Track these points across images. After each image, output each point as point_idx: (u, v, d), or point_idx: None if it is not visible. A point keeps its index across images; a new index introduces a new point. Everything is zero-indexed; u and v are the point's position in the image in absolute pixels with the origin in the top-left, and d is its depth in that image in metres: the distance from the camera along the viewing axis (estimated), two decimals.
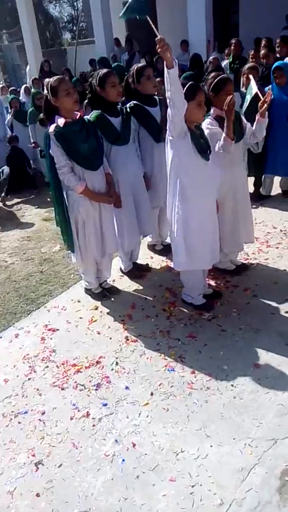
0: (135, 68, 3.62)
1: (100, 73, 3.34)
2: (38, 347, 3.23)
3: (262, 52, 5.74)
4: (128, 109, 3.52)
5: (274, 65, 4.78)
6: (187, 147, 2.90)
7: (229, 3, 12.25)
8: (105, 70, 3.38)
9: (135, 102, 3.60)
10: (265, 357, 2.81)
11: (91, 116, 3.35)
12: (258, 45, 7.23)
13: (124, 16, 2.97)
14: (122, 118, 3.41)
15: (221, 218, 3.33)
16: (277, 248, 4.13)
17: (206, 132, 3.10)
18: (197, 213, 3.03)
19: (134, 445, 2.34)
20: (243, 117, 3.41)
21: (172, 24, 11.71)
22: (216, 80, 3.12)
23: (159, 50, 2.62)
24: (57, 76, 3.19)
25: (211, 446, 2.27)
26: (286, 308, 3.24)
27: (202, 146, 2.93)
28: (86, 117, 3.30)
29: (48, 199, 6.57)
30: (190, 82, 2.90)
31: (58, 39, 24.07)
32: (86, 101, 5.93)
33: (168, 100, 2.76)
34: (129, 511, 2.03)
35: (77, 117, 3.15)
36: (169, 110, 2.78)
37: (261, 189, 5.30)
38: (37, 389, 2.82)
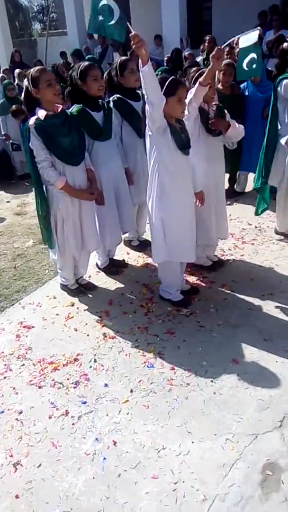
0: (119, 61, 3.57)
1: (81, 65, 3.24)
2: (13, 344, 3.15)
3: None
4: (111, 103, 3.46)
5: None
6: (167, 142, 2.88)
7: None
8: (86, 63, 3.28)
9: (118, 95, 3.54)
10: (244, 352, 2.84)
11: (72, 109, 3.26)
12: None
13: (97, 33, 2.93)
14: (104, 113, 3.34)
15: (198, 212, 3.33)
16: (253, 244, 4.17)
17: (186, 123, 3.09)
18: (176, 207, 3.02)
19: (115, 443, 2.31)
20: (227, 113, 3.40)
21: (145, 19, 11.67)
22: (197, 74, 3.12)
23: (133, 46, 2.58)
24: (38, 67, 3.11)
25: (192, 442, 2.27)
26: (263, 304, 3.28)
27: (182, 142, 2.92)
28: (69, 110, 3.22)
29: (19, 193, 6.46)
30: (171, 77, 2.87)
31: (28, 29, 23.55)
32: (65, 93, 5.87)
33: (145, 97, 2.73)
34: (112, 510, 2.00)
35: (59, 110, 3.06)
36: (147, 106, 2.75)
37: (235, 186, 5.35)
38: (14, 388, 2.75)
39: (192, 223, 3.17)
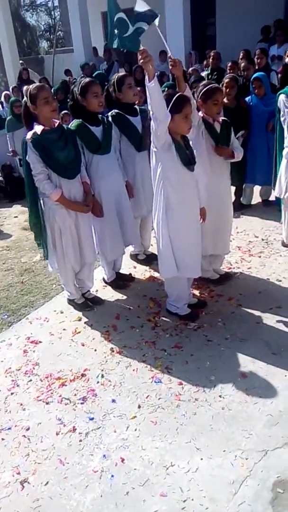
0: (116, 77, 3.62)
1: (82, 82, 3.31)
2: (20, 360, 3.14)
3: (243, 64, 5.84)
4: (110, 118, 3.51)
5: (253, 76, 4.88)
6: (172, 158, 2.89)
7: (206, 15, 12.44)
8: (87, 79, 3.36)
9: (116, 111, 3.59)
10: (252, 366, 2.81)
11: (71, 125, 3.33)
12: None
13: (117, 47, 2.96)
14: (103, 128, 3.39)
15: (204, 225, 3.34)
16: (259, 257, 4.16)
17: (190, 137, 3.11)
18: (182, 222, 3.03)
19: (122, 460, 2.29)
20: (232, 131, 3.43)
21: (150, 34, 11.82)
22: (206, 89, 3.16)
23: (141, 61, 2.62)
24: (37, 84, 3.19)
25: (201, 459, 2.24)
26: (271, 317, 3.25)
27: (187, 158, 2.92)
28: (65, 125, 3.27)
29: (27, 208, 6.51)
30: (178, 94, 2.88)
31: (35, 47, 23.99)
32: (64, 111, 5.94)
33: (151, 113, 2.75)
34: None
35: (56, 125, 3.13)
36: (152, 122, 2.77)
37: (241, 198, 5.36)
38: (21, 404, 2.74)
39: (198, 238, 3.17)
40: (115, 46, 2.98)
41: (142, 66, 2.64)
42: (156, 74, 2.71)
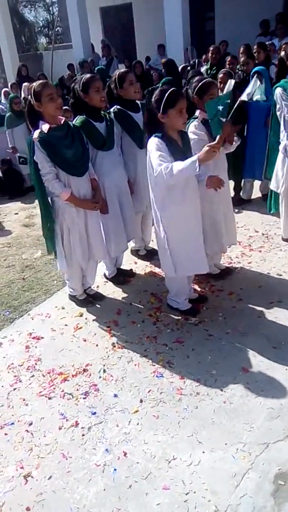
0: (117, 73, 3.60)
1: (83, 77, 3.30)
2: (23, 356, 3.16)
3: (242, 59, 5.82)
4: (112, 115, 3.50)
5: (253, 71, 4.85)
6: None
7: (204, 9, 12.40)
8: (88, 75, 3.34)
9: (118, 107, 3.58)
10: (253, 361, 2.82)
11: (75, 121, 3.31)
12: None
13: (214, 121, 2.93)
14: (106, 124, 3.38)
15: (204, 220, 3.34)
16: (260, 251, 4.16)
17: (191, 138, 3.10)
18: (178, 220, 3.01)
19: (125, 453, 2.31)
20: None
21: (149, 28, 11.79)
22: (200, 84, 3.13)
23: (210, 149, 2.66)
24: (40, 81, 3.13)
25: (203, 452, 2.25)
26: (272, 311, 3.26)
27: (179, 154, 2.89)
28: (71, 122, 3.26)
29: (27, 205, 6.52)
30: (171, 88, 2.87)
31: (33, 44, 23.91)
32: (65, 107, 5.93)
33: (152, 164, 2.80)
34: None
35: (62, 122, 3.11)
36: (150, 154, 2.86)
37: (241, 193, 5.36)
38: (23, 399, 2.76)
39: (198, 235, 3.16)
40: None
41: (209, 153, 2.67)
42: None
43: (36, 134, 3.01)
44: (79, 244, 3.28)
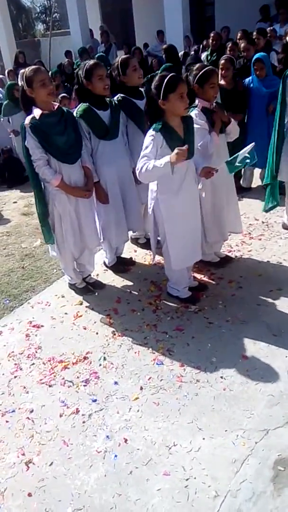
0: (120, 60, 3.52)
1: (87, 64, 3.22)
2: (23, 344, 3.17)
3: (242, 45, 5.74)
4: (116, 102, 3.43)
5: (255, 57, 4.78)
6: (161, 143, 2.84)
7: None
8: (92, 62, 3.25)
9: (122, 95, 3.50)
10: (253, 348, 2.83)
11: (78, 109, 3.25)
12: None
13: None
14: (111, 111, 3.31)
15: (206, 209, 3.33)
16: (260, 239, 4.15)
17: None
18: (176, 212, 2.99)
19: (126, 440, 2.32)
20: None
21: (148, 15, 11.63)
22: (201, 72, 3.09)
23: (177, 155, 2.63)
24: (32, 67, 3.09)
25: (203, 438, 2.27)
26: (271, 299, 3.26)
27: (177, 143, 2.85)
28: (65, 108, 3.21)
29: (26, 194, 6.49)
30: (171, 74, 2.82)
31: (31, 30, 23.62)
32: (62, 95, 5.86)
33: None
34: (124, 507, 2.01)
35: (55, 108, 3.07)
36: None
37: (241, 181, 5.33)
38: (24, 387, 2.77)
39: (197, 223, 3.14)
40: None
41: (178, 156, 2.62)
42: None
43: (28, 120, 2.98)
44: (71, 231, 3.27)
